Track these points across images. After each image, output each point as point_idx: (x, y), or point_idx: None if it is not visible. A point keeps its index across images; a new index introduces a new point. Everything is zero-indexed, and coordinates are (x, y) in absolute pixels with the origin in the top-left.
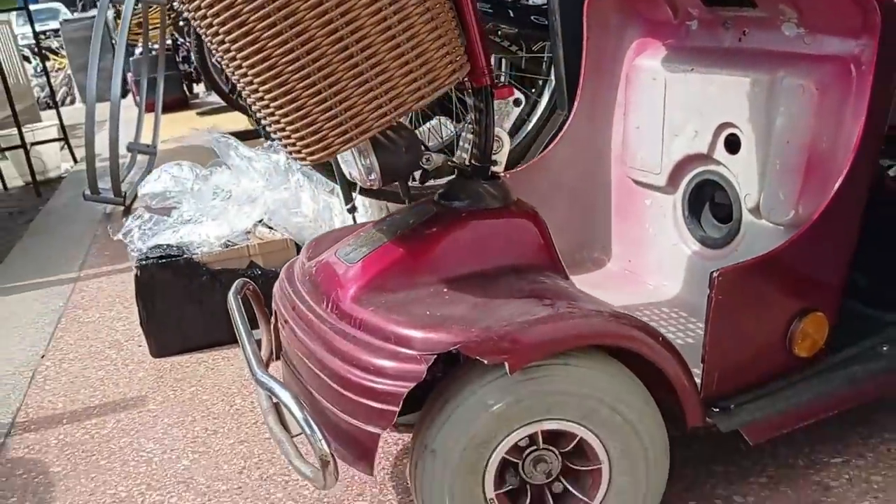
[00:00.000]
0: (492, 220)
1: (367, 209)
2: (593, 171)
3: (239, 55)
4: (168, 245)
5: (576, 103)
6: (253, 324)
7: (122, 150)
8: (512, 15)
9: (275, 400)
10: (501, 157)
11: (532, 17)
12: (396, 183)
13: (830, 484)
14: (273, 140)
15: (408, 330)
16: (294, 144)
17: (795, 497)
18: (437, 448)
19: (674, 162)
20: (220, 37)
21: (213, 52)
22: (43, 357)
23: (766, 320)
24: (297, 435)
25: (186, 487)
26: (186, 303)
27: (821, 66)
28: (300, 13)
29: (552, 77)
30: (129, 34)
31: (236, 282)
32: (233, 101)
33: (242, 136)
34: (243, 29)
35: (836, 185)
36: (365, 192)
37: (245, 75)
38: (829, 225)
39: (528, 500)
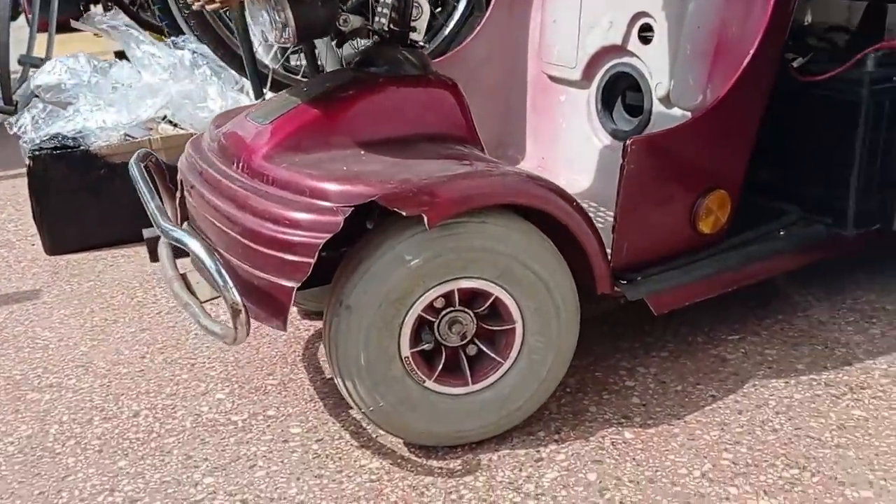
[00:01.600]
0: (410, 87)
1: None
2: (510, 67)
3: None
4: (63, 136)
5: (492, 3)
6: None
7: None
8: None
9: (181, 270)
10: (421, 24)
11: None
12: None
13: (727, 357)
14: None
15: (323, 183)
16: None
17: (694, 367)
18: (353, 304)
19: (589, 55)
20: None
21: None
22: None
23: (672, 195)
24: (205, 301)
25: (85, 371)
26: (83, 197)
27: None
28: None
29: None
30: None
31: (138, 151)
32: (139, 18)
33: None
34: None
35: (742, 67)
36: (277, 86)
37: None
38: (733, 105)
39: (441, 361)
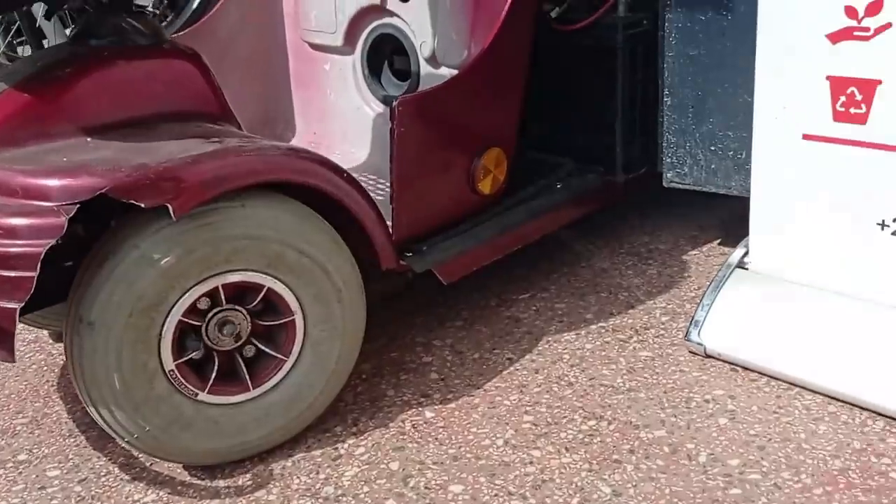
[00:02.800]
0: (140, 59)
1: None
2: (267, 36)
3: None
4: None
5: None
6: None
7: None
8: None
9: None
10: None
11: None
12: None
13: (520, 316)
14: None
15: (40, 179)
16: None
17: (489, 332)
18: (96, 318)
19: (348, 17)
20: None
21: None
22: None
23: (448, 156)
24: None
25: None
26: None
27: None
28: None
29: None
30: None
31: None
32: None
33: None
34: None
35: (501, 18)
36: None
37: None
38: (497, 58)
39: (215, 368)
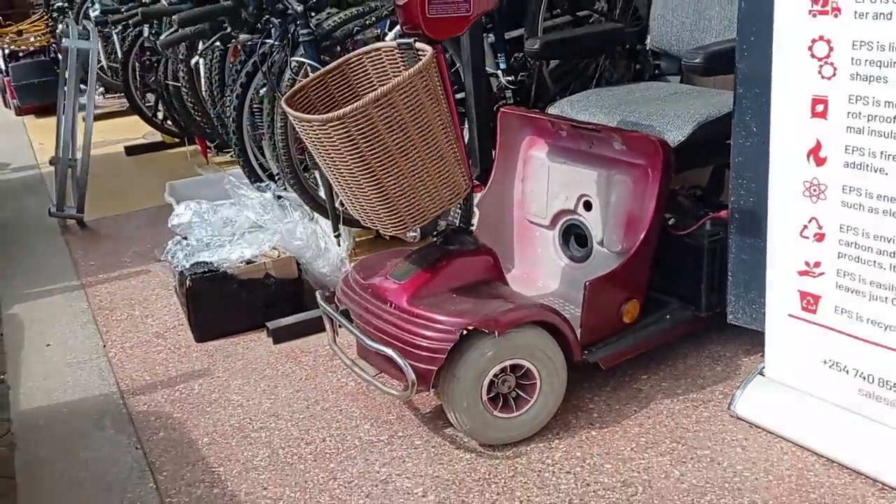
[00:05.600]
0: (474, 256)
1: (348, 234)
2: (505, 215)
3: (360, 174)
4: (207, 263)
5: (492, 176)
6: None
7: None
8: None
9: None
10: (475, 221)
11: None
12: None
13: (641, 387)
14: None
15: (444, 316)
16: (380, 220)
17: (624, 395)
18: (459, 375)
19: (553, 213)
20: (343, 162)
21: (334, 176)
22: (105, 347)
23: (610, 303)
24: (375, 375)
25: (277, 418)
26: (220, 302)
27: (633, 169)
28: (396, 157)
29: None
30: (9, 41)
31: (318, 291)
32: (147, 116)
33: (158, 146)
34: (365, 165)
35: (643, 231)
36: (346, 222)
37: (358, 184)
38: (639, 254)
39: (501, 402)
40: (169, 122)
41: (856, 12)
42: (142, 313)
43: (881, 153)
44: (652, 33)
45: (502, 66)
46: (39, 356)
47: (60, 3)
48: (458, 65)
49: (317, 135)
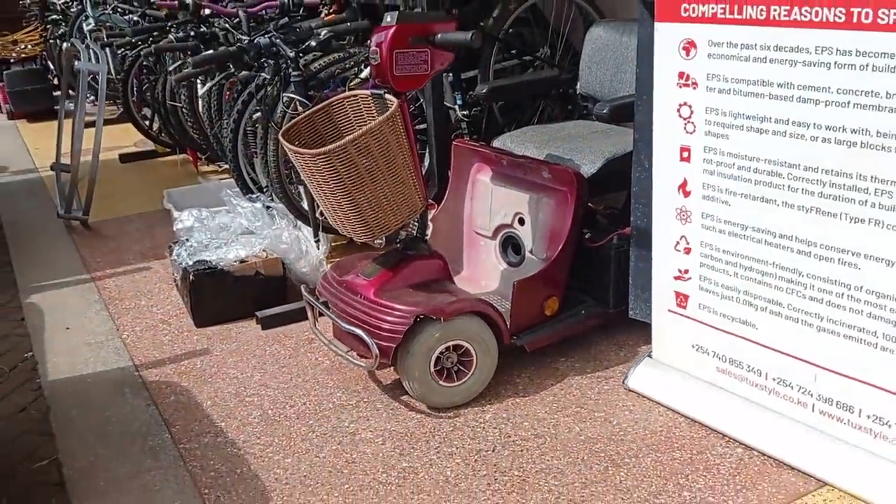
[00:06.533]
0: (427, 259)
1: (325, 239)
2: (456, 227)
3: (339, 195)
4: (207, 261)
5: (446, 195)
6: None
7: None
8: None
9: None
10: (429, 232)
11: None
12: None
13: (558, 368)
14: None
15: (402, 306)
16: (354, 230)
17: (536, 371)
18: (413, 351)
19: (494, 226)
20: (327, 185)
21: (315, 187)
22: (118, 330)
23: (535, 299)
24: (346, 352)
25: (266, 387)
26: (218, 294)
27: (556, 193)
28: (368, 183)
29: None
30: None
31: (302, 285)
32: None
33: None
34: (344, 188)
35: (562, 243)
36: (325, 229)
37: (338, 202)
38: (559, 260)
39: (444, 373)
40: (163, 135)
41: (707, 87)
42: (147, 303)
43: (726, 189)
44: (581, 81)
45: (459, 102)
46: (61, 337)
47: (55, 16)
48: (421, 100)
49: (306, 163)
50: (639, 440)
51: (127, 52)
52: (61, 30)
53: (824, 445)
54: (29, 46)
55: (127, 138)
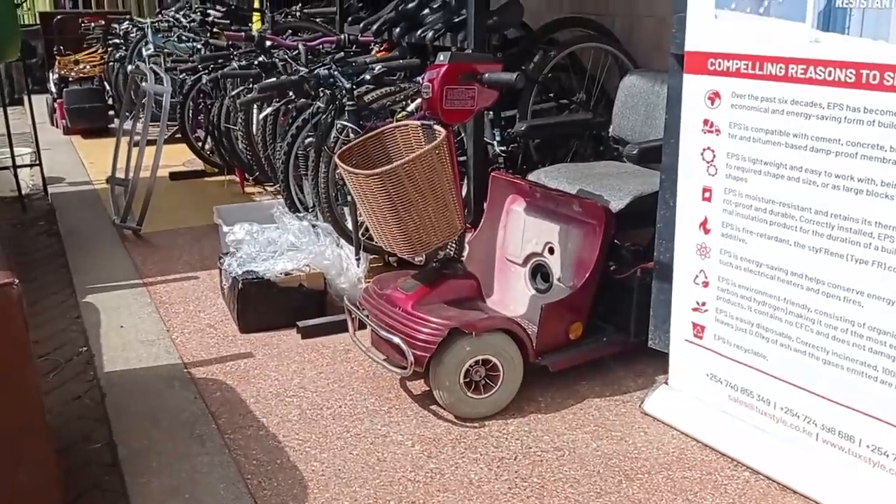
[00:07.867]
0: (462, 279)
1: (365, 258)
2: (489, 253)
3: (388, 213)
4: (255, 272)
5: (482, 223)
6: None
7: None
8: None
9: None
10: (465, 255)
11: None
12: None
13: (579, 389)
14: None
15: (437, 319)
16: (398, 245)
17: (558, 391)
18: (445, 362)
19: (525, 254)
20: (377, 203)
21: (366, 210)
22: (168, 331)
23: (560, 323)
24: (382, 360)
25: (305, 389)
26: (263, 303)
27: (585, 226)
28: (414, 203)
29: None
30: (64, 67)
31: (345, 297)
32: (195, 148)
33: (199, 174)
34: (392, 207)
35: (589, 272)
36: (366, 249)
37: (385, 220)
38: (585, 289)
39: (474, 386)
40: (214, 155)
41: (729, 133)
42: (195, 308)
43: (743, 228)
44: (614, 124)
45: (497, 138)
46: (115, 334)
47: (116, 41)
48: (462, 134)
49: (360, 183)
50: (652, 459)
51: (187, 76)
52: (119, 53)
53: (826, 472)
54: (88, 67)
55: (177, 157)
